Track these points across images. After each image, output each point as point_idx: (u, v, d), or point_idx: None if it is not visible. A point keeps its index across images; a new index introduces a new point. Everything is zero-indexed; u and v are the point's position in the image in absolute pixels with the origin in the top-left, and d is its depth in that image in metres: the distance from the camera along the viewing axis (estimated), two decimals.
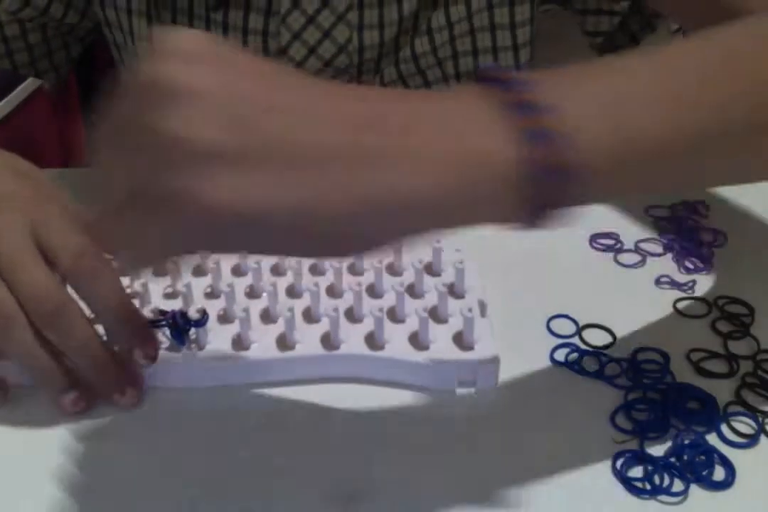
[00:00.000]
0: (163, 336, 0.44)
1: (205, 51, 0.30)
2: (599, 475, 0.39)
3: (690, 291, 0.51)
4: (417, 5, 0.61)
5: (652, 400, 0.43)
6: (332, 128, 0.30)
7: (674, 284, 0.52)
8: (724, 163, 0.35)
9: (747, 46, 0.35)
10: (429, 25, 0.62)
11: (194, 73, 0.29)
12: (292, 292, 0.48)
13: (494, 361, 0.44)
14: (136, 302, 0.46)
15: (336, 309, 0.43)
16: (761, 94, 0.34)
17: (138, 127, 0.29)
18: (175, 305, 0.46)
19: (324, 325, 0.45)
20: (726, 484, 0.39)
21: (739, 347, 0.47)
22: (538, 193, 0.30)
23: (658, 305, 0.50)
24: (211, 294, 0.48)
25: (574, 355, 0.46)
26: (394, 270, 0.50)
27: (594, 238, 0.56)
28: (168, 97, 0.28)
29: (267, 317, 0.46)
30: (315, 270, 0.50)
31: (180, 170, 0.28)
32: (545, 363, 0.46)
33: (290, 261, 0.48)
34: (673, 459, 0.40)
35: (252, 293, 0.48)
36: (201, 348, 0.44)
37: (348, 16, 0.61)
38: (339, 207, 0.29)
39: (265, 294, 0.47)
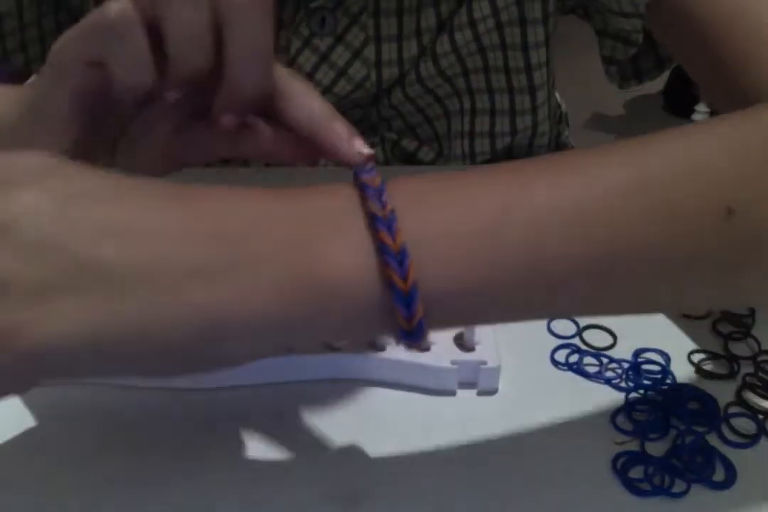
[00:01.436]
0: None
1: (15, 177, 0.28)
2: (600, 476, 0.39)
3: None
4: (436, 36, 0.59)
5: (652, 401, 0.43)
6: (151, 244, 0.27)
7: None
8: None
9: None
10: (434, 50, 0.60)
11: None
12: None
13: (495, 362, 0.44)
14: None
15: None
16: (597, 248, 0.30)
17: None
18: None
19: None
20: (727, 484, 0.39)
21: (739, 348, 0.47)
22: (389, 319, 0.29)
23: None
24: None
25: (575, 356, 0.46)
26: None
27: None
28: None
29: None
30: None
31: None
32: (546, 364, 0.46)
33: None
34: (673, 460, 0.40)
35: None
36: None
37: (364, 52, 0.58)
38: (157, 328, 0.27)
39: None
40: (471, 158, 0.68)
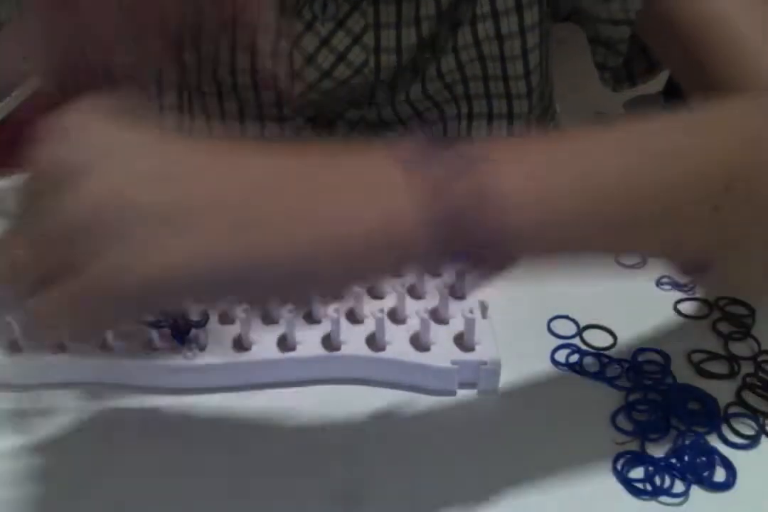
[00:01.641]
0: (164, 337, 0.44)
1: (94, 127, 0.32)
2: (600, 476, 0.39)
3: (691, 292, 0.51)
4: (437, 27, 0.59)
5: (652, 401, 0.43)
6: (227, 192, 0.31)
7: (675, 285, 0.52)
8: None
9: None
10: (434, 48, 0.60)
11: (88, 152, 0.31)
12: None
13: (495, 362, 0.44)
14: None
15: (337, 311, 0.43)
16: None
17: (46, 213, 0.30)
18: None
19: (325, 326, 0.45)
20: (727, 485, 0.39)
21: (739, 348, 0.47)
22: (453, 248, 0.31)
23: (659, 306, 0.50)
24: None
25: (575, 356, 0.46)
26: None
27: None
28: (71, 177, 0.30)
29: (268, 318, 0.46)
30: None
31: (102, 244, 0.30)
32: (546, 364, 0.46)
33: None
34: (673, 460, 0.40)
35: None
36: (201, 349, 0.44)
37: (364, 38, 0.59)
38: (219, 261, 0.30)
39: None
40: None
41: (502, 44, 0.61)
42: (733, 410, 0.43)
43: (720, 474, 0.39)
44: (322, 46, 0.59)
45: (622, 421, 0.42)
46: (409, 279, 0.48)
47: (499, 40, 0.61)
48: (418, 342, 0.44)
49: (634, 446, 0.41)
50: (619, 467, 0.39)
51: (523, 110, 0.66)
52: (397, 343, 0.44)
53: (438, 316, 0.46)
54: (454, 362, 0.43)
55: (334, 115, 0.64)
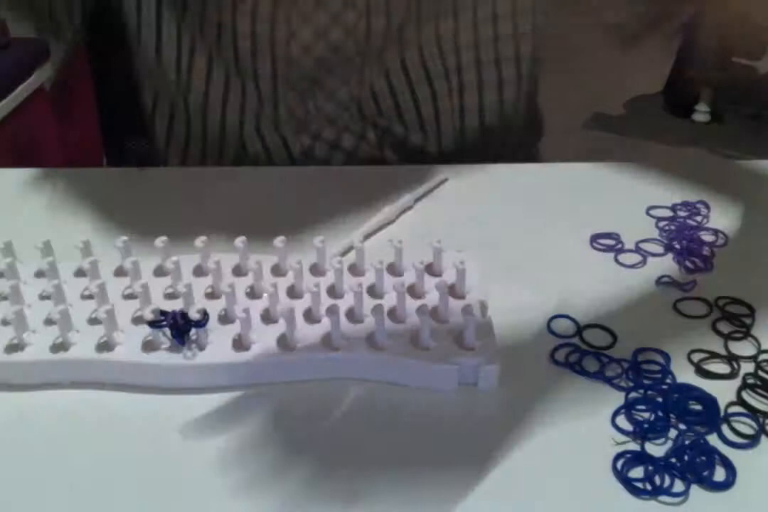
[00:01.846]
0: (164, 336, 0.44)
1: None
2: (600, 476, 0.39)
3: (690, 292, 0.51)
4: None
5: (652, 401, 0.43)
6: None
7: (675, 284, 0.52)
8: None
9: None
10: (421, 15, 0.63)
11: None
12: (293, 293, 0.48)
13: (495, 362, 0.44)
14: (137, 302, 0.46)
15: (336, 311, 0.43)
16: None
17: None
18: (175, 305, 0.46)
19: (324, 326, 0.45)
20: (727, 485, 0.39)
21: (739, 348, 0.47)
22: None
23: (659, 305, 0.50)
24: (212, 294, 0.48)
25: (575, 356, 0.46)
26: (394, 270, 0.50)
27: (595, 238, 0.56)
28: None
29: (268, 317, 0.46)
30: (316, 271, 0.50)
31: None
32: (546, 363, 0.46)
33: (291, 262, 0.48)
34: (673, 460, 0.40)
35: (253, 293, 0.48)
36: (201, 348, 0.44)
37: (357, 1, 0.62)
38: None
39: (265, 295, 0.47)
40: (461, 133, 0.70)
41: (496, 25, 0.65)
42: (733, 410, 0.43)
43: (720, 474, 0.39)
44: (318, 6, 0.62)
45: (622, 421, 0.42)
46: (409, 278, 0.48)
47: (494, 22, 0.64)
48: (418, 342, 0.44)
49: (633, 446, 0.41)
50: (618, 467, 0.39)
51: (511, 77, 0.69)
52: (397, 343, 0.45)
53: (437, 315, 0.46)
54: (454, 362, 0.43)
55: (325, 94, 0.66)
